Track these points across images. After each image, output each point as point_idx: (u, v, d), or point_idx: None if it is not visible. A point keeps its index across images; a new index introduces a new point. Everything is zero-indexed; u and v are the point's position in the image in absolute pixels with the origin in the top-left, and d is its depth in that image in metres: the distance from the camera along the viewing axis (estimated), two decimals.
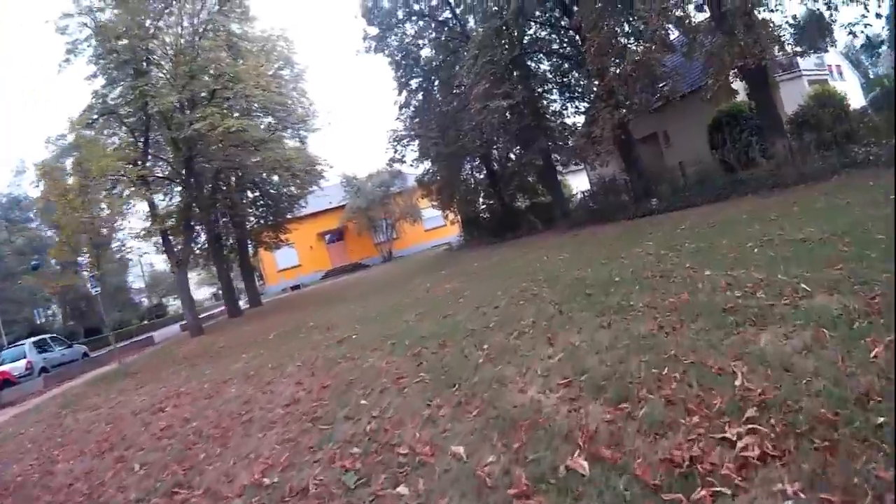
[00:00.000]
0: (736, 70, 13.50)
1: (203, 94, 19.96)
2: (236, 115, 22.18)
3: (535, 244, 16.80)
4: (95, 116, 18.96)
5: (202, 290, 65.54)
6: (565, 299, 6.92)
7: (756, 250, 6.54)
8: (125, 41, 18.16)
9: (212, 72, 19.66)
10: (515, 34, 19.37)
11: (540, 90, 21.89)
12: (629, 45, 16.40)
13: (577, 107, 22.42)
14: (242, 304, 33.78)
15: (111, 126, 19.67)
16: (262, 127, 27.26)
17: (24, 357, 18.43)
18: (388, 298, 13.58)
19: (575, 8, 16.31)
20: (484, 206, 28.73)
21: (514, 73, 19.57)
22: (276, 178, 30.00)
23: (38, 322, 29.75)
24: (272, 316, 18.87)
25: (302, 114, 29.99)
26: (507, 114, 18.90)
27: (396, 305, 11.55)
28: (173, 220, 20.94)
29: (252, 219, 31.25)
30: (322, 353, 8.45)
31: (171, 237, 20.84)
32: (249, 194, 30.43)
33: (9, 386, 16.75)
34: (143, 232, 20.03)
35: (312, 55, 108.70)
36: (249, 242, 31.55)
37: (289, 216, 31.78)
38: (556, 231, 19.48)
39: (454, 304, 9.31)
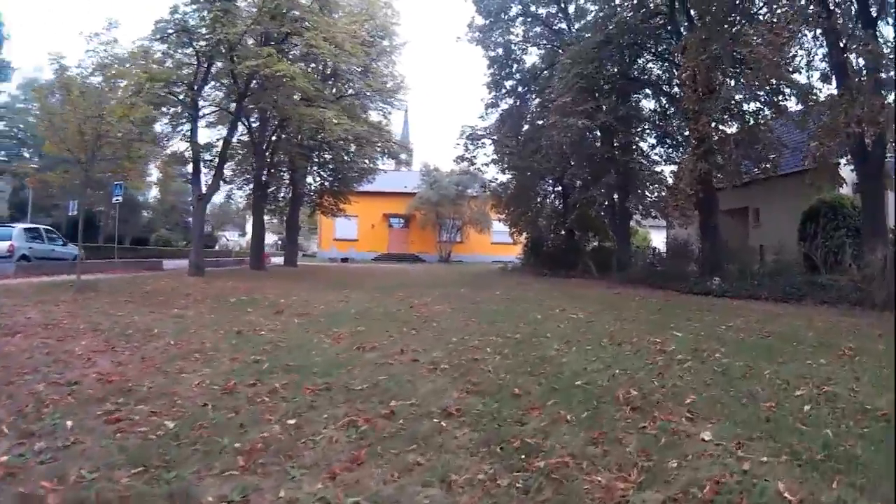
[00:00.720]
0: (847, 147, 10.93)
1: (275, 35, 18.42)
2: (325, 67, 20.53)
3: (572, 290, 14.23)
4: (171, 31, 17.55)
5: (270, 236, 64.98)
6: (485, 390, 4.48)
7: (807, 409, 3.82)
8: None
9: (295, 13, 18.06)
10: (626, 58, 16.74)
11: (636, 128, 19.02)
12: (731, 89, 13.50)
13: (670, 155, 19.28)
14: (278, 260, 32.78)
15: (183, 45, 18.25)
16: (348, 94, 25.86)
17: (9, 240, 17.18)
18: (377, 299, 11.80)
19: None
20: (552, 236, 26.05)
21: (609, 97, 16.90)
22: (353, 146, 28.76)
23: (71, 213, 29.10)
24: (275, 280, 17.42)
25: (391, 87, 28.44)
26: (585, 134, 16.30)
27: (366, 311, 9.78)
28: (210, 151, 19.62)
29: (318, 179, 30.19)
30: (203, 338, 6.83)
31: (204, 169, 19.55)
32: (327, 155, 29.11)
33: None
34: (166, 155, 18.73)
35: (409, 29, 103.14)
36: (306, 202, 30.34)
37: (355, 187, 30.42)
38: (604, 283, 16.80)
39: (396, 335, 7.22)
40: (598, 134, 16.94)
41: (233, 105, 19.07)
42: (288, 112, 18.32)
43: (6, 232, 17.78)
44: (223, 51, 17.04)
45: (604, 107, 16.62)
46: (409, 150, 31.48)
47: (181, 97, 17.92)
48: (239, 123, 23.71)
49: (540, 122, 21.87)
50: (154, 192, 41.49)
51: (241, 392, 4.37)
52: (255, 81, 17.94)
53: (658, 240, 28.30)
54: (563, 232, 24.58)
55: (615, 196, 18.79)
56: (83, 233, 13.93)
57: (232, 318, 8.59)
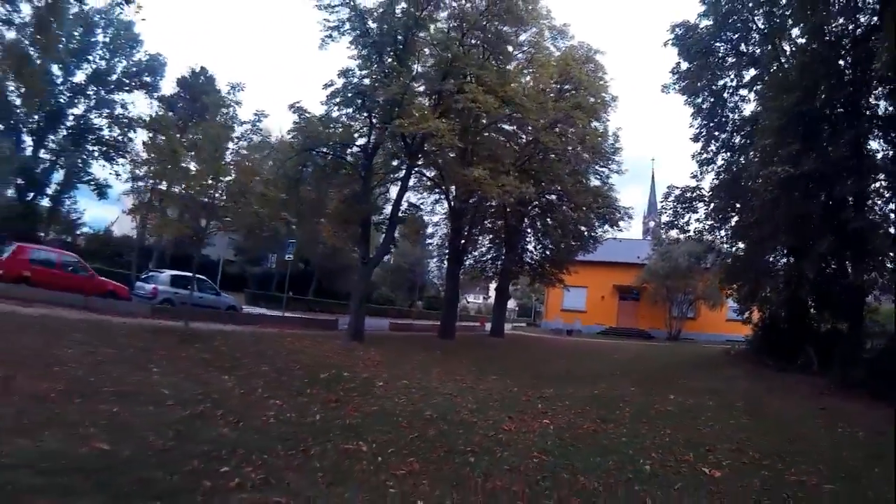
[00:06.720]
0: None
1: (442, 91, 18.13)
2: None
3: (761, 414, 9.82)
4: (350, 95, 17.49)
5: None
6: None
7: None
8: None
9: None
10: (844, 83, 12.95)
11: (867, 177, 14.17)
12: None
13: None
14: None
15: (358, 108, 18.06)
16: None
17: (154, 284, 19.60)
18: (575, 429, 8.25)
19: None
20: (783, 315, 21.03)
21: (820, 137, 13.12)
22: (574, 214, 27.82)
23: (269, 266, 33.51)
24: (449, 357, 15.88)
25: (609, 150, 27.07)
26: (789, 186, 12.85)
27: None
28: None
29: (539, 247, 29.99)
30: None
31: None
32: (549, 221, 28.54)
33: (115, 298, 17.62)
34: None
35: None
36: (526, 270, 30.21)
37: (575, 258, 29.38)
38: (808, 386, 12.70)
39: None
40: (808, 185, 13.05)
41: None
42: (448, 170, 18.30)
43: (154, 277, 20.64)
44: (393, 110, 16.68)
45: (813, 152, 12.92)
46: (629, 215, 28.91)
47: (351, 160, 18.61)
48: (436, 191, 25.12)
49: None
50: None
51: None
52: (424, 143, 17.92)
53: None
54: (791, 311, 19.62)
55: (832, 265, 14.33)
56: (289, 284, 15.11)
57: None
